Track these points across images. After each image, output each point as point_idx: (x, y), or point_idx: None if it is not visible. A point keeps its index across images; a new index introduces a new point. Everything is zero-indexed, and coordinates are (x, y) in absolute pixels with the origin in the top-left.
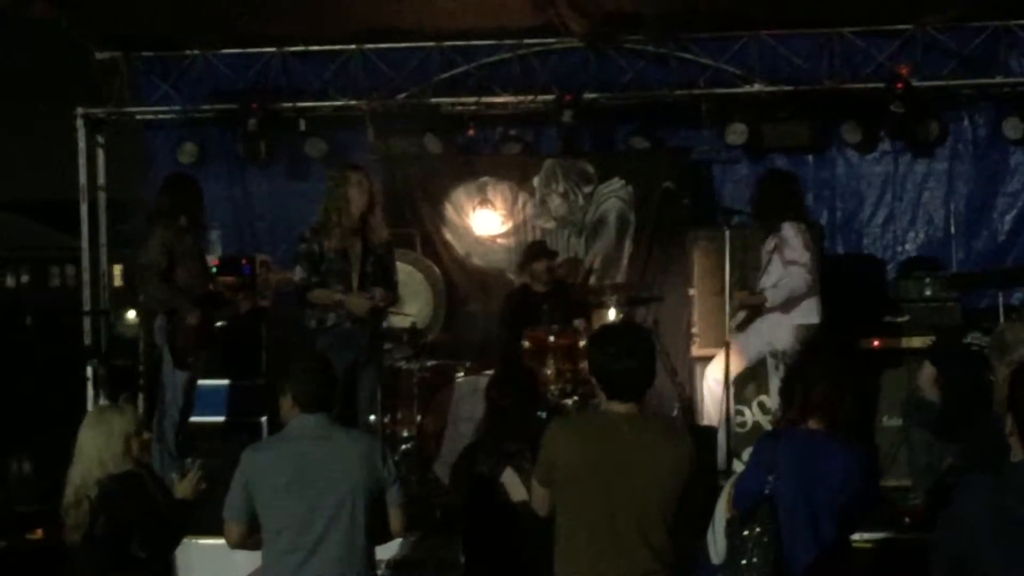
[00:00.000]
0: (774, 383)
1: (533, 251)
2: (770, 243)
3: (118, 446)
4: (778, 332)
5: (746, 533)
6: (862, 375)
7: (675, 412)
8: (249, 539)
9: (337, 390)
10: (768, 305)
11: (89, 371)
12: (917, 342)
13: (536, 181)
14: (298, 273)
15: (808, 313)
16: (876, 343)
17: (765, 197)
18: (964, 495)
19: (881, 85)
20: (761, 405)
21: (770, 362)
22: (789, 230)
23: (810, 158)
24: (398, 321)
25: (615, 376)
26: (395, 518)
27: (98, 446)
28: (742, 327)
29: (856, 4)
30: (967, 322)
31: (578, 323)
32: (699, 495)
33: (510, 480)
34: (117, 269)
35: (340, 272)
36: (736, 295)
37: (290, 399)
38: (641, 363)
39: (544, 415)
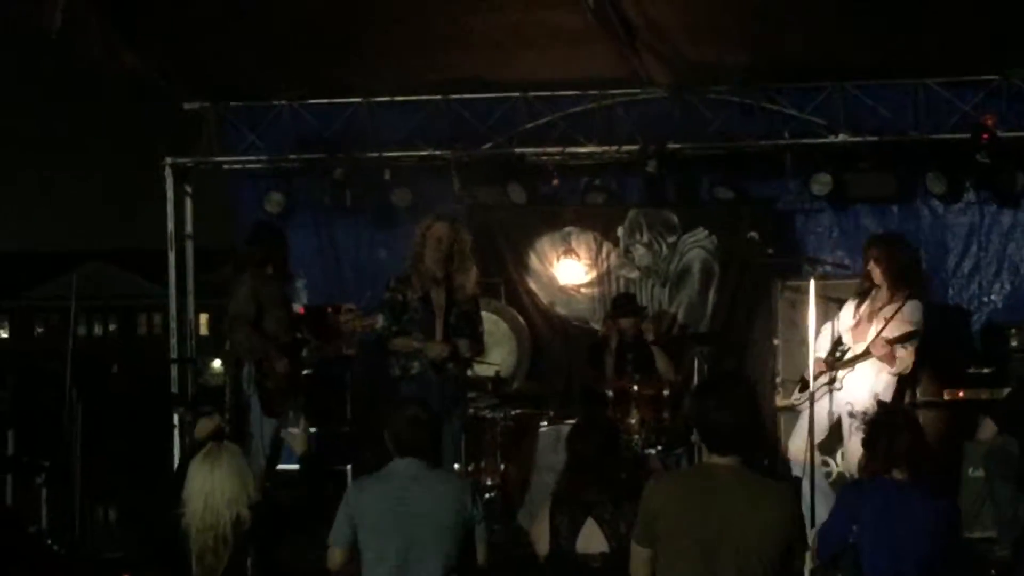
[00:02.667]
0: (852, 444)
1: (622, 306)
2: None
3: (252, 478)
4: (858, 393)
5: None
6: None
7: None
8: (348, 565)
9: (433, 436)
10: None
11: (176, 419)
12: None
13: (620, 231)
14: (380, 321)
15: (888, 386)
16: (961, 394)
17: (901, 266)
18: None
19: (966, 136)
20: (845, 455)
21: (847, 422)
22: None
23: (895, 208)
24: (482, 370)
25: (718, 429)
26: (480, 552)
27: (240, 480)
28: (814, 394)
29: (941, 55)
30: None
31: (663, 373)
32: (801, 551)
33: (591, 531)
34: (203, 318)
35: (423, 322)
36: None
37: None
38: (745, 416)
39: None
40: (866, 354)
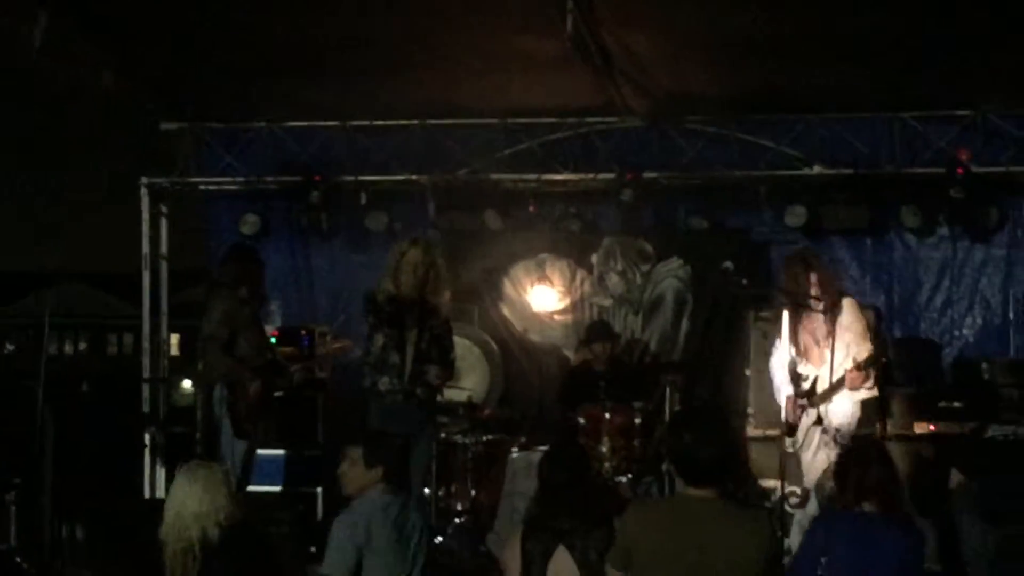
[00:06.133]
0: (819, 457)
1: (595, 332)
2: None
3: (227, 498)
4: (839, 406)
5: None
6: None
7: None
8: None
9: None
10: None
11: (147, 438)
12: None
13: (595, 259)
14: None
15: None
16: (932, 428)
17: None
18: None
19: (941, 170)
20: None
21: (820, 437)
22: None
23: (868, 241)
24: (454, 395)
25: (695, 462)
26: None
27: (211, 497)
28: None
29: (917, 89)
30: None
31: (638, 405)
32: None
33: (561, 558)
34: (174, 338)
35: (395, 346)
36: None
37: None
38: (721, 449)
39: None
40: (841, 383)
